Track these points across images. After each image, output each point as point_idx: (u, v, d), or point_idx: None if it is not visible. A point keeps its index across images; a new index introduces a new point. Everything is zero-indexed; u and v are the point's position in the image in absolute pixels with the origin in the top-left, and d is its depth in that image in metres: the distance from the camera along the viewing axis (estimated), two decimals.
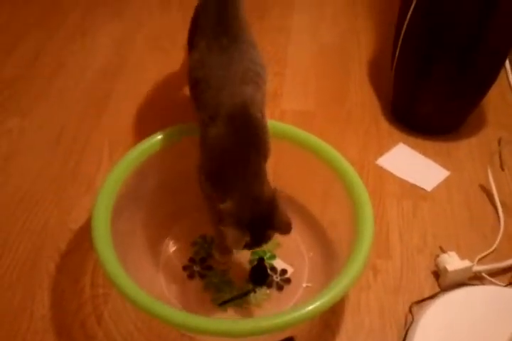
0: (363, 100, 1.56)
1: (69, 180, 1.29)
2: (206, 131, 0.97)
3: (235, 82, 0.99)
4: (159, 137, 1.10)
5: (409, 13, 1.33)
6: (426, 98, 1.45)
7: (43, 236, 1.18)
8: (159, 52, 1.66)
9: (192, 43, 1.09)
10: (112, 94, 1.52)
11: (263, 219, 0.92)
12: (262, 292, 1.10)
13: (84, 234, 1.15)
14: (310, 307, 0.89)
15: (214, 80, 0.99)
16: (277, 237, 1.15)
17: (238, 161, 0.95)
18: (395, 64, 1.47)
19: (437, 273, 1.14)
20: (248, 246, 0.94)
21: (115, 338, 1.02)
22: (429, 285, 1.13)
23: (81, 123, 1.44)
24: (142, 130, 1.41)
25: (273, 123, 1.22)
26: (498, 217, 1.26)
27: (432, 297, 1.09)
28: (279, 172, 1.26)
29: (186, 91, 1.10)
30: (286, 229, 0.94)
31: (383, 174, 1.36)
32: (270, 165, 1.27)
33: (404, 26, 1.36)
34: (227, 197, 0.92)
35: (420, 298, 1.09)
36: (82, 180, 1.29)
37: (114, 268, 0.90)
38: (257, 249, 1.12)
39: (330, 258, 1.14)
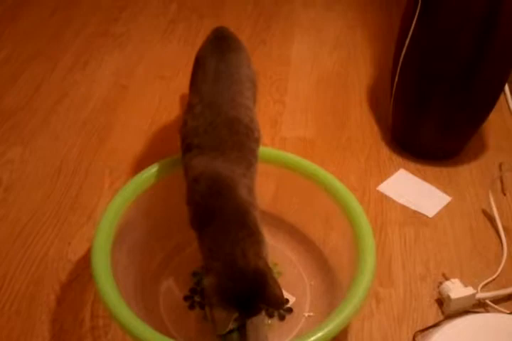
0: (363, 127, 1.57)
1: (69, 210, 1.29)
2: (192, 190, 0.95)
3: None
4: (158, 168, 1.11)
5: (406, 44, 1.35)
6: (425, 126, 1.45)
7: (43, 268, 1.17)
8: (160, 81, 1.68)
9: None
10: (113, 124, 1.53)
11: (252, 293, 0.86)
12: None
13: (84, 265, 1.15)
14: (312, 339, 0.87)
15: (207, 149, 0.97)
16: (279, 266, 1.16)
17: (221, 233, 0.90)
18: (393, 92, 1.48)
19: (441, 301, 1.13)
20: (238, 320, 0.88)
21: None
22: (432, 313, 1.11)
23: (82, 154, 1.45)
24: (143, 160, 1.41)
25: (274, 152, 1.24)
26: (501, 242, 1.25)
27: (436, 325, 1.08)
28: (280, 201, 1.27)
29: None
30: (277, 303, 0.87)
31: (384, 200, 1.35)
32: (271, 193, 1.29)
33: (402, 57, 1.37)
34: (209, 271, 0.87)
35: (424, 326, 1.08)
36: (82, 210, 1.29)
37: (114, 299, 0.90)
38: None
39: (332, 286, 1.13)
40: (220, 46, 1.11)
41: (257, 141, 1.01)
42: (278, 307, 0.90)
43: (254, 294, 0.85)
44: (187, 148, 0.99)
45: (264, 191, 1.27)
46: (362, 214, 1.07)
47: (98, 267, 0.94)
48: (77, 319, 1.08)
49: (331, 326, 0.89)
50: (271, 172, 1.23)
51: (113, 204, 1.04)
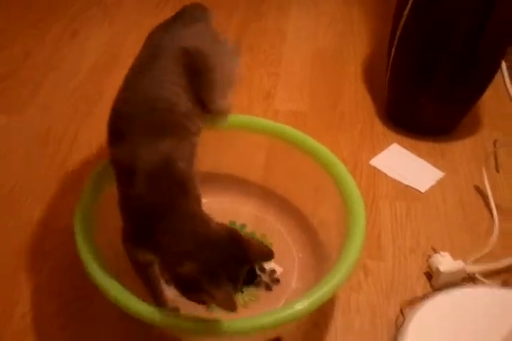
0: (357, 101, 1.55)
1: (55, 178, 1.27)
2: (125, 192, 0.87)
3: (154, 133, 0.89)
4: None
5: (403, 21, 1.32)
6: (420, 101, 1.43)
7: (28, 236, 1.15)
8: None
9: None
10: (102, 94, 1.50)
11: (236, 260, 0.80)
12: (250, 292, 1.07)
13: (68, 234, 1.13)
14: (297, 307, 0.86)
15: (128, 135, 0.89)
16: (267, 237, 1.15)
17: (171, 215, 0.83)
18: (389, 68, 1.45)
19: (430, 274, 1.12)
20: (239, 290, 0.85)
21: None
22: (421, 286, 1.10)
23: (70, 123, 1.42)
24: None
25: (264, 122, 1.21)
26: (493, 218, 1.23)
27: (424, 297, 1.07)
28: (271, 172, 1.25)
29: None
30: (266, 255, 0.83)
31: (376, 174, 1.34)
32: (261, 165, 1.27)
33: (399, 33, 1.35)
34: (182, 261, 0.79)
35: (412, 299, 1.07)
36: (68, 179, 1.27)
37: (93, 264, 0.89)
38: None
39: (320, 259, 1.11)
40: (170, 21, 1.04)
41: (185, 115, 0.92)
42: (270, 257, 0.83)
43: (240, 257, 0.80)
44: (109, 136, 0.92)
45: (254, 163, 1.26)
46: (353, 186, 1.06)
47: (80, 233, 0.93)
48: (59, 288, 1.07)
49: (317, 296, 0.88)
50: (261, 143, 1.22)
51: (96, 171, 1.02)
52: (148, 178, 0.84)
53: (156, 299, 0.93)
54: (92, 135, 1.38)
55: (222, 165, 1.21)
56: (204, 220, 0.83)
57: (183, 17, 1.04)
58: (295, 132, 1.16)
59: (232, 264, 0.80)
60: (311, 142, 1.14)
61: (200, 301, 0.83)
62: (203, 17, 1.05)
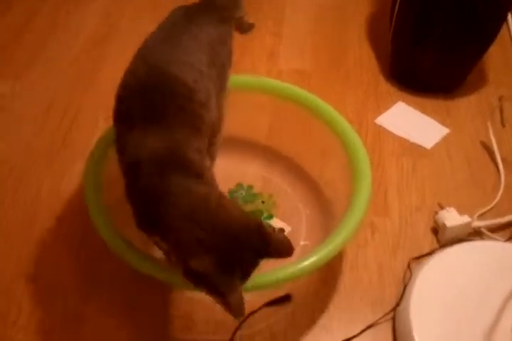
0: (361, 59, 1.53)
1: (61, 147, 1.28)
2: (131, 178, 0.81)
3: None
4: None
5: None
6: (425, 58, 1.42)
7: (36, 206, 1.16)
8: (150, 15, 1.62)
9: None
10: (105, 59, 1.49)
11: (255, 254, 0.75)
12: None
13: (78, 201, 1.14)
14: (305, 263, 0.88)
15: (139, 121, 0.83)
16: (274, 197, 1.15)
17: (183, 200, 0.77)
18: (393, 24, 1.43)
19: (436, 230, 1.13)
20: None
21: None
22: (428, 242, 1.11)
23: (74, 90, 1.41)
24: None
25: (269, 82, 1.21)
26: (499, 173, 1.24)
27: (431, 253, 1.08)
28: (276, 133, 1.25)
29: None
30: (287, 251, 0.77)
31: (382, 133, 1.34)
32: (266, 126, 1.27)
33: None
34: (194, 252, 0.73)
35: (419, 255, 1.08)
36: (75, 146, 1.27)
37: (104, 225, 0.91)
38: (255, 209, 1.13)
39: (328, 216, 1.13)
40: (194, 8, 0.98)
41: (201, 104, 0.87)
42: (290, 254, 0.77)
43: (260, 252, 0.75)
44: (117, 118, 0.86)
45: (259, 124, 1.26)
46: (359, 144, 1.06)
47: (90, 198, 0.94)
48: (71, 252, 1.09)
49: (324, 252, 0.90)
50: (265, 104, 1.21)
51: (104, 137, 1.03)
52: (156, 167, 0.79)
53: None
54: (99, 100, 1.37)
55: (227, 127, 1.21)
56: (224, 207, 0.76)
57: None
58: (300, 91, 1.16)
59: (250, 259, 0.75)
60: (317, 101, 1.14)
61: (209, 295, 0.75)
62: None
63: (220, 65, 0.95)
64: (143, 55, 0.89)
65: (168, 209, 0.75)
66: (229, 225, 0.74)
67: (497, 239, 1.12)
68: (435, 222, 1.13)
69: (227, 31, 0.99)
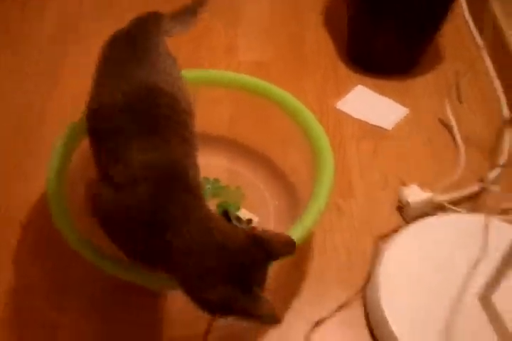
0: (319, 47, 1.55)
1: (27, 148, 1.27)
2: (121, 204, 0.78)
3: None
4: None
5: None
6: (380, 37, 1.43)
7: (2, 211, 1.16)
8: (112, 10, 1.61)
9: None
10: (67, 54, 1.48)
11: (263, 265, 0.75)
12: None
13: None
14: None
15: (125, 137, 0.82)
16: (241, 189, 1.17)
17: (185, 227, 0.75)
18: (349, 5, 1.45)
19: (401, 208, 1.15)
20: None
21: None
22: (393, 220, 1.14)
23: (37, 88, 1.40)
24: None
25: (224, 74, 1.23)
26: (459, 148, 1.26)
27: (396, 230, 1.10)
28: (237, 125, 1.27)
29: None
30: (290, 248, 0.76)
31: (343, 117, 1.36)
32: (226, 118, 1.28)
33: None
34: (209, 284, 0.71)
35: (385, 233, 1.10)
36: (42, 148, 1.24)
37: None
38: (221, 201, 1.15)
39: (295, 204, 1.14)
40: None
41: (185, 112, 0.89)
42: (293, 249, 0.76)
43: (266, 261, 0.74)
44: (97, 137, 0.85)
45: (219, 117, 1.28)
46: (320, 130, 1.08)
47: (53, 203, 0.95)
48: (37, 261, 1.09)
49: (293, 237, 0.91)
50: (224, 97, 1.23)
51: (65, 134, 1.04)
52: (155, 187, 0.77)
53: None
54: (66, 95, 1.37)
55: None
56: (218, 227, 0.75)
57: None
58: (257, 81, 1.18)
59: (261, 270, 0.74)
60: (275, 90, 1.16)
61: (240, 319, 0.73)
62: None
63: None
64: (112, 72, 0.89)
65: (174, 240, 0.73)
66: (230, 246, 0.73)
67: (459, 212, 1.14)
68: (399, 199, 1.15)
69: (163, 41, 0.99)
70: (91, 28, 1.55)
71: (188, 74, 1.17)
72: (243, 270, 0.72)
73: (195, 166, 0.85)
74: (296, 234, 0.92)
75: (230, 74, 1.24)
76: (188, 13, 1.05)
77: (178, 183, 0.78)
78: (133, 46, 0.92)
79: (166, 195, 0.77)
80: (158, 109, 0.85)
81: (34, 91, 1.40)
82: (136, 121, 0.83)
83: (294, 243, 0.76)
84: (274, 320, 0.71)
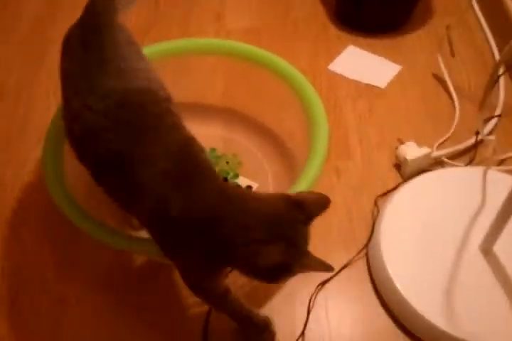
0: (308, 10, 1.53)
1: (19, 133, 1.27)
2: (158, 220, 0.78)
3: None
4: None
5: None
6: None
7: (0, 195, 1.16)
8: None
9: None
10: (50, 39, 1.46)
11: (302, 223, 0.76)
12: None
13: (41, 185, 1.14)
14: None
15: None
16: (238, 156, 1.17)
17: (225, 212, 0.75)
18: None
19: (399, 165, 1.15)
20: None
21: None
22: (392, 178, 1.14)
23: (22, 74, 1.40)
24: None
25: (215, 41, 1.22)
26: (453, 102, 1.26)
27: (395, 188, 1.11)
28: (231, 93, 1.26)
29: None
30: (324, 204, 0.78)
31: (336, 78, 1.35)
32: (220, 87, 1.28)
33: None
34: (261, 249, 0.72)
35: (384, 191, 1.11)
36: (32, 131, 1.27)
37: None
38: (219, 170, 1.15)
39: (293, 168, 1.15)
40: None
41: (166, 100, 0.87)
42: (327, 204, 0.78)
43: (304, 219, 0.76)
44: (97, 161, 0.81)
45: (211, 86, 1.27)
46: (312, 92, 1.07)
47: (50, 176, 0.96)
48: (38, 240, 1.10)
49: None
50: (216, 65, 1.22)
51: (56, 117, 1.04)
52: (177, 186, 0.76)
53: (253, 320, 0.90)
54: (49, 80, 1.36)
55: (180, 93, 1.22)
56: (252, 198, 0.76)
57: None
58: (247, 47, 1.17)
59: (302, 229, 0.76)
60: (266, 55, 1.14)
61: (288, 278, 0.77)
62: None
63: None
64: (80, 84, 0.84)
65: (218, 228, 0.74)
66: (267, 213, 0.74)
67: (457, 166, 1.14)
68: (396, 157, 1.15)
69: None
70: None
71: (178, 43, 1.18)
72: (289, 231, 0.74)
73: (200, 146, 0.84)
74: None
75: (219, 41, 1.23)
76: None
77: (204, 178, 0.78)
78: (92, 50, 0.86)
79: (193, 186, 0.76)
80: (144, 110, 0.81)
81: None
82: (127, 132, 0.79)
83: (327, 198, 0.78)
84: (328, 268, 0.75)
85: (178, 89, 1.19)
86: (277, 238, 0.73)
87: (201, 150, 0.83)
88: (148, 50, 1.12)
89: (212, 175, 0.79)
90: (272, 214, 0.74)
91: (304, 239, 0.75)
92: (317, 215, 0.77)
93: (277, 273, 0.73)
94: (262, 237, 0.72)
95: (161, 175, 0.77)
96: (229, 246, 0.73)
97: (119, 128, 0.80)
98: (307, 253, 0.74)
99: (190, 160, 0.80)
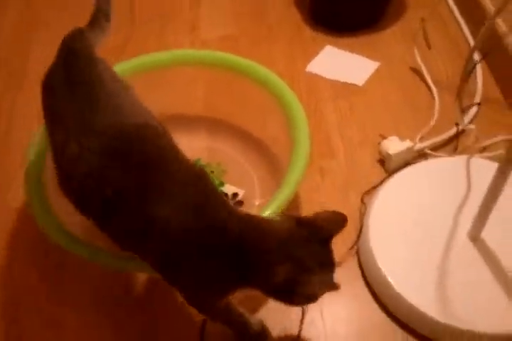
0: (282, 13, 1.54)
1: (2, 154, 1.27)
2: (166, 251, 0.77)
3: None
4: None
5: None
6: None
7: None
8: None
9: None
10: (31, 47, 1.48)
11: (318, 243, 0.75)
12: None
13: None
14: (266, 212, 0.90)
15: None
16: (222, 165, 1.18)
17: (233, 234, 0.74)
18: None
19: (382, 161, 1.15)
20: None
21: None
22: (377, 174, 1.14)
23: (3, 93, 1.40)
24: None
25: (192, 53, 1.23)
26: (432, 94, 1.27)
27: (381, 183, 1.11)
28: (212, 102, 1.27)
29: None
30: (341, 222, 0.77)
31: (314, 79, 1.36)
32: (201, 97, 1.28)
33: None
34: (275, 267, 0.72)
35: (370, 188, 1.11)
36: (15, 151, 1.26)
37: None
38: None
39: (278, 173, 1.15)
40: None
41: (165, 133, 0.86)
42: (344, 222, 0.78)
43: (320, 238, 0.75)
44: (104, 205, 0.78)
45: (193, 97, 1.27)
46: (291, 96, 1.08)
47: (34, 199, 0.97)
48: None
49: (276, 203, 0.92)
50: (197, 76, 1.23)
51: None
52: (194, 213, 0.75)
53: (248, 325, 0.90)
54: (31, 96, 1.34)
55: (162, 106, 1.22)
56: (265, 222, 0.77)
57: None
58: (222, 55, 1.18)
59: (312, 247, 0.74)
60: (242, 62, 1.15)
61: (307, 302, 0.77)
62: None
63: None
64: (74, 128, 0.81)
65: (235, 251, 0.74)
66: (278, 235, 0.74)
67: (441, 156, 1.15)
68: (380, 153, 1.15)
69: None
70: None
71: (154, 57, 1.19)
72: (296, 251, 0.73)
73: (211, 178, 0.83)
74: (280, 196, 0.93)
75: (195, 52, 1.25)
76: (101, 17, 0.96)
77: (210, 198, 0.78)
78: (79, 89, 0.84)
79: (210, 216, 0.76)
80: (146, 145, 0.80)
81: None
82: (134, 169, 0.78)
83: (341, 214, 0.77)
84: (333, 287, 0.73)
85: (160, 101, 1.20)
86: (285, 259, 0.72)
87: (212, 182, 0.82)
88: (123, 66, 1.14)
89: (226, 204, 0.79)
90: (283, 237, 0.74)
91: (314, 257, 0.74)
92: (334, 233, 0.76)
93: (286, 292, 0.73)
94: (273, 259, 0.72)
95: (181, 208, 0.75)
96: (246, 269, 0.74)
97: (124, 166, 0.77)
98: (313, 272, 0.73)
99: (205, 192, 0.78)
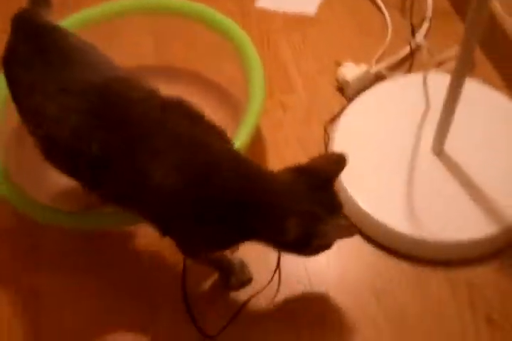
0: None
1: None
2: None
3: None
4: None
5: None
6: None
7: None
8: None
9: None
10: None
11: (321, 188, 0.75)
12: None
13: None
14: None
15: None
16: None
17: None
18: None
19: (342, 88, 1.15)
20: None
21: None
22: (337, 103, 1.14)
23: None
24: None
25: (133, 1, 1.20)
26: (384, 15, 1.25)
27: (341, 111, 1.11)
28: (164, 49, 1.24)
29: None
30: (341, 163, 0.77)
31: (265, 14, 1.33)
32: (151, 46, 1.26)
33: None
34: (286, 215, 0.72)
35: (332, 117, 1.11)
36: None
37: None
38: None
39: (238, 114, 1.14)
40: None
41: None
42: (345, 163, 0.77)
43: (322, 184, 0.75)
44: (93, 165, 0.77)
45: (143, 47, 1.25)
46: (242, 35, 1.07)
47: None
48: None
49: (242, 136, 0.94)
50: (144, 25, 1.20)
51: None
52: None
53: (230, 263, 0.92)
54: None
55: (115, 59, 1.20)
56: (268, 175, 0.77)
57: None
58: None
59: (317, 195, 0.74)
60: (189, 5, 1.13)
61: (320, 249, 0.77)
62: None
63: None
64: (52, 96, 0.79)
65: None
66: (283, 189, 0.74)
67: (397, 76, 1.14)
68: (337, 80, 1.15)
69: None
70: None
71: (97, 10, 1.16)
72: (302, 203, 0.73)
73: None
74: (242, 132, 0.94)
75: (136, 0, 1.20)
76: None
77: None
78: (52, 56, 0.82)
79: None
80: (130, 97, 0.78)
81: None
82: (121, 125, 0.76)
83: (339, 155, 0.77)
84: (352, 232, 0.75)
85: (111, 55, 1.19)
86: (293, 212, 0.72)
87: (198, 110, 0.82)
88: (67, 22, 1.11)
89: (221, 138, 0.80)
90: (287, 188, 0.73)
91: (322, 205, 0.73)
92: (335, 176, 0.76)
93: (304, 245, 0.73)
94: (281, 213, 0.72)
95: (176, 164, 0.74)
96: (254, 223, 0.73)
97: (106, 121, 0.76)
98: (325, 220, 0.72)
99: (194, 129, 0.78)
